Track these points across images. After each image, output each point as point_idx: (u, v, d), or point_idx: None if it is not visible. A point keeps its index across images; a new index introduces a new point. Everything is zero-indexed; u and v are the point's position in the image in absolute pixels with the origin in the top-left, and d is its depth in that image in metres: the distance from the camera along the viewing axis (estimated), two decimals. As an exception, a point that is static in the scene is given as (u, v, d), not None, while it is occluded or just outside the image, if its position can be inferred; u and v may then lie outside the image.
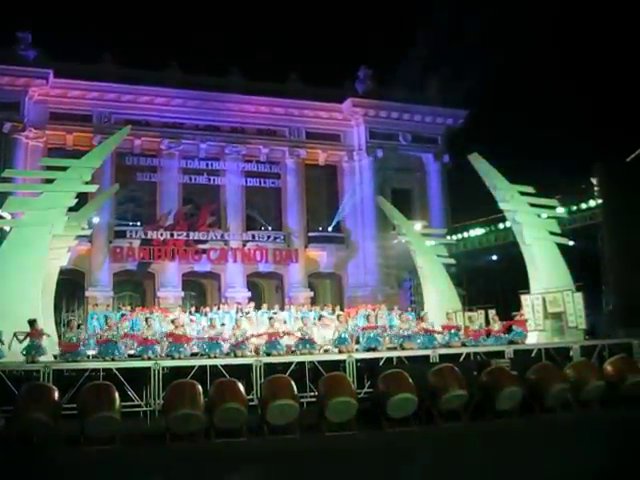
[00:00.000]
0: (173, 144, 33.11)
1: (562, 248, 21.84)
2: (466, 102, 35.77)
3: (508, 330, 19.38)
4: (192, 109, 33.28)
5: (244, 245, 33.44)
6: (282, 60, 36.58)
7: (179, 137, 33.22)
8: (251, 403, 13.25)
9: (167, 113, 33.21)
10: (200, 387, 12.52)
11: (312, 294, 34.15)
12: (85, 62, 32.08)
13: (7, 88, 30.80)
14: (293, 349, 16.82)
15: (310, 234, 34.73)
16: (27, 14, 33.84)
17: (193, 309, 23.76)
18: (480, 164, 21.87)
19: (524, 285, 22.08)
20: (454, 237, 30.90)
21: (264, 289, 36.48)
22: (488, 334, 19.18)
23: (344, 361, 15.51)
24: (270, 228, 34.09)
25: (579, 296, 20.61)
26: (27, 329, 14.77)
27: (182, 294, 32.41)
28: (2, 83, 30.72)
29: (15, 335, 14.66)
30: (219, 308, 23.77)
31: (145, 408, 14.18)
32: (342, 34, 41.76)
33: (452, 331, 18.40)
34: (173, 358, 15.25)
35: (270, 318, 18.21)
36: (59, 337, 18.71)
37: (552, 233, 21.79)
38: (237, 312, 22.37)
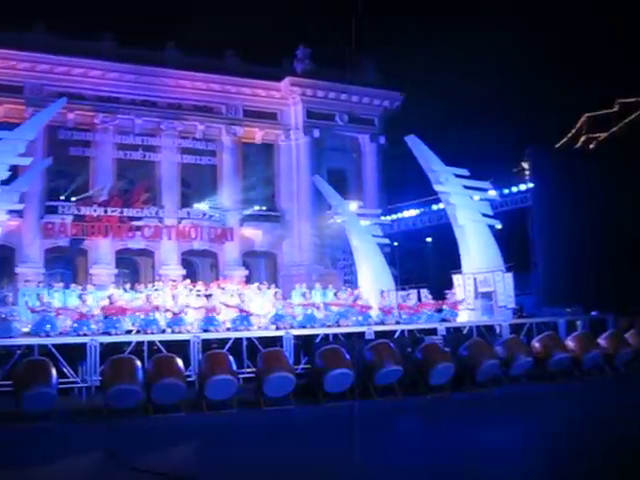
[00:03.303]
0: (108, 119, 32.40)
1: (494, 230, 22.51)
2: (403, 84, 36.25)
3: (440, 309, 19.95)
4: (128, 83, 32.59)
5: (179, 223, 33.17)
6: (220, 36, 36.18)
7: (114, 112, 32.51)
8: (189, 379, 13.35)
9: (102, 87, 32.43)
10: (139, 362, 12.54)
11: (247, 272, 34.14)
12: (16, 30, 31.05)
13: None
14: (229, 326, 16.92)
15: (245, 212, 34.65)
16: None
17: (128, 286, 23.51)
18: (416, 146, 22.28)
19: (456, 265, 22.69)
20: (388, 217, 31.36)
21: (199, 267, 36.28)
22: (419, 312, 19.68)
23: (281, 337, 15.74)
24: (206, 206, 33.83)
25: (509, 276, 21.36)
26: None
27: (115, 271, 31.88)
28: None
29: None
30: (153, 285, 23.62)
31: (81, 384, 14.10)
32: (281, 12, 41.55)
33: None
34: (110, 334, 15.16)
35: (207, 295, 18.25)
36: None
37: (484, 215, 22.40)
38: (172, 289, 22.28)
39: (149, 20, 34.60)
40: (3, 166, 17.35)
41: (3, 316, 15.28)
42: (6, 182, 18.47)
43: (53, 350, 14.07)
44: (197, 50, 33.50)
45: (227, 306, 17.50)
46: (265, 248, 35.51)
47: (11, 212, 22.33)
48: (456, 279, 22.11)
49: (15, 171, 20.08)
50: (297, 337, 16.16)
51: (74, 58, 31.55)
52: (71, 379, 14.11)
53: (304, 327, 17.21)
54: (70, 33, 31.48)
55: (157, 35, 33.58)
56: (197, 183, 34.81)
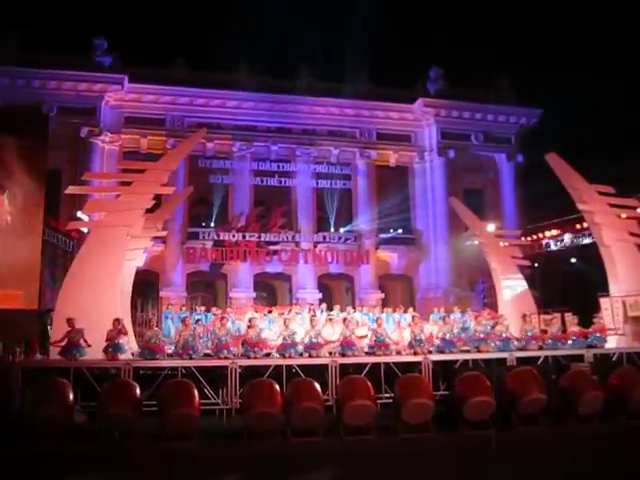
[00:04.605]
0: (245, 146, 33.45)
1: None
2: (540, 100, 35.13)
3: (586, 334, 18.86)
4: (263, 111, 33.52)
5: (315, 246, 33.52)
6: (352, 61, 36.51)
7: (251, 139, 33.53)
8: (327, 403, 13.26)
9: (239, 116, 33.56)
10: (277, 386, 12.58)
11: (383, 296, 33.95)
12: (158, 66, 32.74)
13: (84, 94, 31.67)
14: (367, 350, 16.74)
15: (381, 235, 34.56)
16: (102, 21, 34.62)
17: (266, 310, 23.86)
18: (557, 164, 21.34)
19: (602, 287, 21.48)
20: (528, 238, 30.27)
21: (334, 290, 36.47)
22: (566, 337, 18.69)
23: (419, 363, 15.39)
24: (342, 230, 34.04)
25: (661, 300, 19.97)
26: (107, 328, 15.10)
27: (254, 295, 32.67)
28: (79, 89, 31.61)
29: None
30: (291, 309, 23.88)
31: (222, 406, 14.34)
32: (412, 32, 41.48)
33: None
34: (249, 357, 15.36)
35: (344, 319, 18.16)
36: (136, 336, 19.18)
37: (632, 234, 21.12)
38: (309, 312, 22.44)
39: (282, 49, 35.36)
40: (148, 195, 18.04)
41: (150, 340, 15.78)
42: (150, 210, 19.21)
43: (196, 372, 14.41)
44: (329, 75, 33.94)
45: (361, 337, 17.32)
46: (401, 271, 35.25)
47: (155, 238, 23.27)
48: (603, 302, 20.92)
49: (159, 199, 20.95)
50: (436, 362, 15.75)
51: (212, 90, 32.94)
52: (212, 401, 14.37)
53: (443, 352, 16.76)
54: (208, 66, 32.88)
55: (290, 63, 34.33)
56: (332, 207, 35.08)
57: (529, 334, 17.87)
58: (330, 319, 19.78)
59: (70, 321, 14.99)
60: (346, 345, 16.13)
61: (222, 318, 17.81)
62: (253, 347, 15.64)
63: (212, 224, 32.70)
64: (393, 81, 34.80)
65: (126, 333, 15.68)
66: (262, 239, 32.57)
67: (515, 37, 40.66)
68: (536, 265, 29.21)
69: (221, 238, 32.23)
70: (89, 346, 14.82)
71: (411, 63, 36.32)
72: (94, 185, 24.72)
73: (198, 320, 20.83)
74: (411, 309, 23.54)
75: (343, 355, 15.86)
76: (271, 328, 19.96)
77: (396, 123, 35.51)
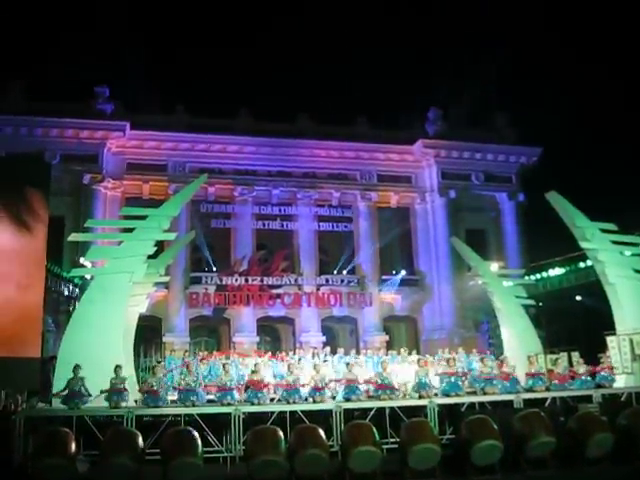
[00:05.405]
0: (246, 191, 33.62)
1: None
2: (540, 139, 35.37)
3: (594, 373, 18.64)
4: (264, 156, 33.78)
5: (318, 289, 33.42)
6: (350, 104, 36.92)
7: (252, 184, 33.73)
8: (331, 449, 13.06)
9: (240, 160, 33.81)
10: (281, 433, 12.40)
11: (387, 338, 33.74)
12: (159, 113, 33.11)
13: (86, 141, 32.01)
14: (372, 394, 16.55)
15: (384, 277, 34.48)
16: (103, 69, 35.07)
17: (269, 355, 23.70)
18: (559, 202, 21.34)
19: (608, 326, 21.30)
20: (532, 277, 30.15)
21: (338, 333, 36.29)
22: (573, 377, 18.48)
23: (425, 406, 15.20)
24: (344, 272, 33.99)
25: (670, 337, 19.77)
26: (109, 375, 14.97)
27: (257, 339, 32.51)
28: (82, 137, 31.95)
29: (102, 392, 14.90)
30: (294, 353, 23.74)
31: (226, 454, 14.13)
32: (409, 75, 42.01)
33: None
34: (252, 404, 15.19)
35: (347, 363, 18.01)
36: (139, 382, 18.98)
37: (637, 271, 21.01)
38: (313, 357, 22.28)
39: (281, 94, 35.83)
40: (149, 242, 18.06)
41: (153, 387, 15.63)
42: (153, 256, 19.20)
43: (199, 419, 14.24)
44: (329, 119, 34.29)
45: (368, 382, 17.13)
46: (405, 312, 35.12)
47: (158, 284, 23.22)
48: (610, 341, 20.72)
49: (161, 245, 20.96)
50: (441, 405, 15.55)
51: (213, 135, 33.22)
52: (216, 448, 14.17)
53: (448, 395, 16.55)
54: (208, 112, 33.22)
55: (290, 107, 34.70)
56: (334, 249, 35.09)
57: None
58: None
59: (76, 368, 14.91)
60: (349, 389, 15.97)
61: (224, 365, 17.71)
62: (258, 389, 15.49)
63: (214, 268, 32.67)
64: (392, 122, 35.13)
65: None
66: (265, 283, 32.50)
67: (515, 73, 41.06)
68: (540, 304, 29.03)
69: (224, 282, 32.20)
70: (89, 395, 14.70)
71: (409, 104, 36.70)
72: (96, 232, 24.79)
73: (202, 359, 20.81)
74: (414, 351, 23.39)
75: (347, 400, 15.68)
76: (275, 375, 19.77)
77: (396, 164, 35.74)
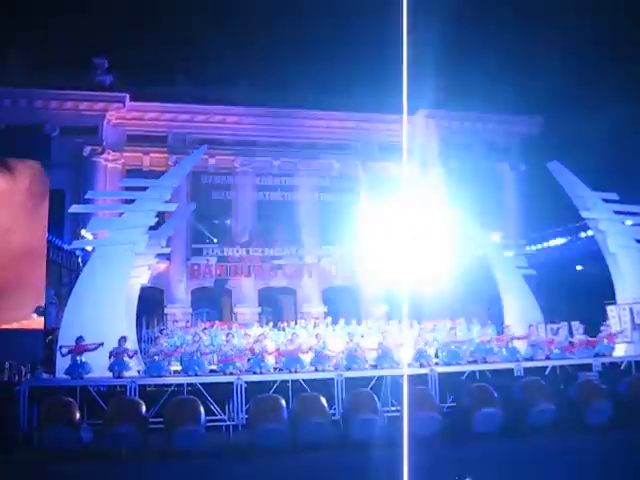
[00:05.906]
0: (247, 162, 33.51)
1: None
2: (542, 108, 35.09)
3: (594, 343, 18.73)
4: (264, 126, 33.53)
5: (319, 261, 33.44)
6: (350, 73, 36.54)
7: (252, 155, 33.59)
8: (333, 418, 13.18)
9: (240, 131, 33.62)
10: (283, 401, 12.51)
11: (387, 308, 33.79)
12: (159, 84, 32.86)
13: (86, 113, 31.83)
14: (373, 363, 16.66)
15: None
16: (102, 40, 34.75)
17: (271, 324, 23.84)
18: (560, 172, 21.31)
19: (609, 296, 21.36)
20: (533, 247, 30.15)
21: (340, 303, 36.31)
22: (573, 346, 18.57)
23: (425, 375, 15.31)
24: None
25: (670, 306, 19.84)
26: (112, 346, 15.07)
27: (259, 310, 32.63)
28: (81, 109, 31.77)
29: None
30: (296, 323, 23.86)
31: (228, 422, 14.27)
32: (410, 45, 41.50)
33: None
34: (255, 373, 15.31)
35: (349, 333, 18.12)
36: (141, 353, 19.13)
37: (639, 241, 21.03)
38: (314, 327, 22.41)
39: (282, 64, 35.42)
40: (151, 213, 18.08)
41: (155, 356, 15.77)
42: (154, 227, 19.22)
43: (201, 389, 14.36)
44: (329, 89, 33.93)
45: (368, 349, 17.22)
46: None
47: (159, 255, 23.26)
48: (610, 310, 20.80)
49: (162, 217, 20.97)
50: (442, 374, 15.66)
51: (213, 106, 32.98)
52: (219, 417, 14.31)
53: (449, 364, 16.66)
54: (208, 83, 32.90)
55: (290, 77, 34.34)
56: (336, 220, 34.99)
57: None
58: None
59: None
60: (351, 358, 16.09)
61: (227, 334, 17.82)
62: (261, 356, 15.63)
63: (216, 240, 32.69)
64: (393, 92, 34.77)
65: (132, 356, 15.55)
66: (266, 254, 32.52)
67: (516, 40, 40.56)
68: (541, 274, 29.03)
69: (225, 254, 32.22)
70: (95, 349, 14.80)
71: (410, 74, 36.29)
72: (97, 204, 24.76)
73: (204, 329, 20.96)
74: (414, 321, 23.43)
75: (349, 369, 15.78)
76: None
77: (397, 135, 35.44)
